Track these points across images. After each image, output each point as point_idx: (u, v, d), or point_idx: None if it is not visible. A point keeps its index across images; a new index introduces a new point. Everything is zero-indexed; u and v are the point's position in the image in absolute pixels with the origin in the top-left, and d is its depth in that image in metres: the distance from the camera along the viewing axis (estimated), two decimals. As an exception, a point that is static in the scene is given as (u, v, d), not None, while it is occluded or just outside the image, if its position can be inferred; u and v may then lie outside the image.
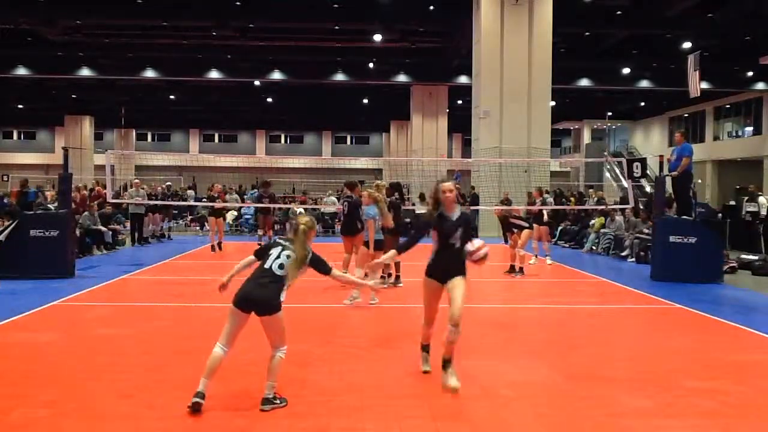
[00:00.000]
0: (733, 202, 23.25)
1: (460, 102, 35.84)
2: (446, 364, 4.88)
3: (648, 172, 15.82)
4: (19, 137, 51.00)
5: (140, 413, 4.39)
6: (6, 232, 10.32)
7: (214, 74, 29.89)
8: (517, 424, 4.39)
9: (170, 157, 39.96)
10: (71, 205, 11.65)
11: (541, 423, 4.39)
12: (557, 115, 33.20)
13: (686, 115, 38.83)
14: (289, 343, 4.60)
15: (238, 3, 22.88)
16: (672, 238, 11.08)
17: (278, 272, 4.50)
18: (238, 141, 51.81)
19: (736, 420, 4.50)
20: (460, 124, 34.09)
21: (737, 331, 7.32)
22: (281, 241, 4.71)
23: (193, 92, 37.61)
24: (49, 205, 13.21)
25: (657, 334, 7.29)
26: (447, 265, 5.03)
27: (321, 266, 4.72)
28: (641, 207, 16.58)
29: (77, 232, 12.81)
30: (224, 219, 17.06)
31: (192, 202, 23.03)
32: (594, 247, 16.54)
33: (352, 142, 52.81)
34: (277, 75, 30.03)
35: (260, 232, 15.92)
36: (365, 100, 40.36)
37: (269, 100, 40.58)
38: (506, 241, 12.69)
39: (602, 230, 16.59)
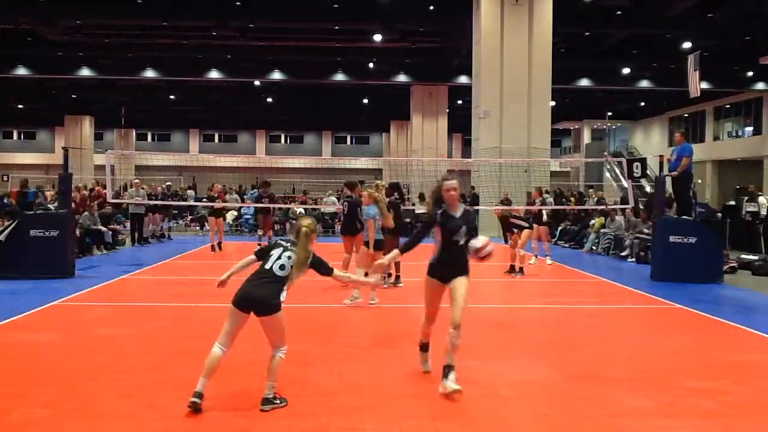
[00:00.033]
0: (733, 202, 23.23)
1: (460, 102, 35.85)
2: (448, 370, 4.78)
3: (648, 172, 15.82)
4: (19, 137, 51.00)
5: (140, 413, 4.39)
6: (6, 232, 10.32)
7: (214, 74, 29.89)
8: (517, 424, 4.39)
9: (170, 157, 39.96)
10: (71, 205, 11.65)
11: (541, 423, 4.39)
12: (557, 115, 33.20)
13: (686, 115, 38.83)
14: (289, 343, 4.60)
15: (238, 3, 22.88)
16: (672, 238, 11.08)
17: (279, 273, 4.50)
18: (238, 141, 51.82)
19: (736, 420, 4.50)
20: (460, 124, 34.09)
21: (737, 331, 7.32)
22: (282, 242, 4.71)
23: (193, 92, 37.62)
24: (49, 205, 13.21)
25: (657, 334, 7.29)
26: (450, 263, 4.99)
27: (322, 268, 4.73)
28: (641, 207, 16.59)
29: (77, 232, 12.81)
30: (224, 219, 17.07)
31: (192, 202, 23.02)
32: (594, 247, 16.54)
33: (352, 142, 52.81)
34: (277, 75, 30.03)
35: (260, 232, 15.92)
36: (365, 100, 40.36)
37: (269, 100, 40.58)
38: (506, 241, 12.70)
39: (602, 230, 16.59)
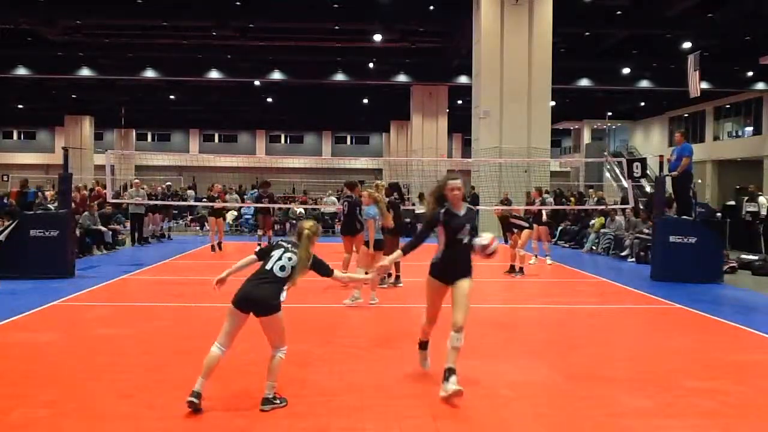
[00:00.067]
0: (733, 202, 23.22)
1: (460, 102, 35.85)
2: (449, 373, 4.69)
3: (648, 172, 15.81)
4: (19, 137, 51.00)
5: (140, 413, 4.39)
6: (6, 232, 10.32)
7: (214, 74, 29.89)
8: (517, 424, 4.39)
9: (170, 157, 39.95)
10: (71, 205, 11.64)
11: (541, 423, 4.39)
12: (557, 115, 33.20)
13: (686, 115, 38.83)
14: (289, 343, 4.60)
15: (238, 3, 22.88)
16: (672, 238, 11.08)
17: (279, 274, 4.51)
18: (238, 141, 51.81)
19: (736, 420, 4.50)
20: (460, 124, 34.09)
21: (737, 331, 7.32)
22: (283, 243, 4.72)
23: (193, 92, 37.61)
24: (49, 205, 13.21)
25: (657, 334, 7.29)
26: (453, 263, 4.94)
27: (323, 269, 4.74)
28: (641, 207, 16.58)
29: (77, 232, 12.80)
30: (224, 219, 17.07)
31: (192, 202, 23.03)
32: (594, 247, 16.54)
33: (352, 142, 52.81)
34: (277, 75, 30.03)
35: (260, 232, 15.92)
36: (365, 100, 40.36)
37: (269, 100, 40.58)
38: (506, 241, 12.70)
39: (602, 230, 16.59)
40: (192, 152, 48.73)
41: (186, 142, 51.83)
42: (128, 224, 17.20)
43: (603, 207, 18.43)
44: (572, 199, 24.23)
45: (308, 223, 4.73)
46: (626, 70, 29.16)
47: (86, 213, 14.86)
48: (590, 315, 8.37)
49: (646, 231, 14.07)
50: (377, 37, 24.99)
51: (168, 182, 27.29)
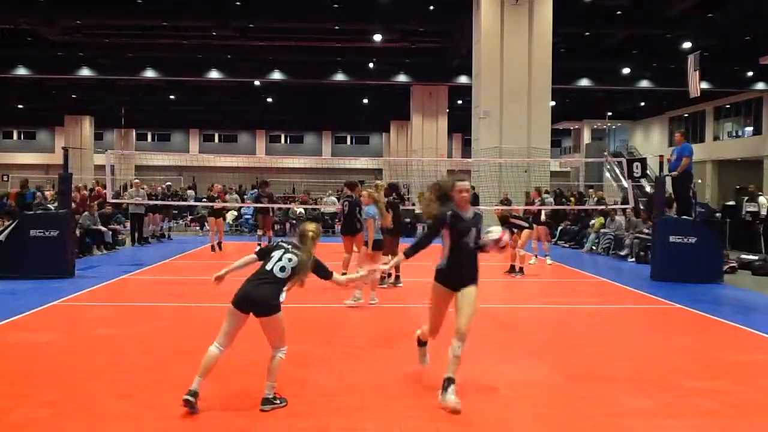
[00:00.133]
0: (733, 202, 23.22)
1: (460, 102, 35.83)
2: (448, 383, 4.57)
3: (648, 172, 15.81)
4: (19, 137, 50.98)
5: (140, 413, 4.40)
6: (6, 232, 10.32)
7: (214, 74, 29.87)
8: (517, 424, 4.39)
9: (170, 157, 39.97)
10: (71, 205, 11.65)
11: (541, 423, 4.39)
12: (557, 115, 33.19)
13: (686, 115, 38.83)
14: (289, 343, 4.60)
15: (238, 3, 22.87)
16: (672, 238, 11.08)
17: (279, 275, 4.50)
18: (238, 141, 51.81)
19: (736, 420, 4.50)
20: (460, 124, 34.07)
21: (737, 331, 7.33)
22: (284, 244, 4.72)
23: (193, 92, 37.60)
24: (49, 205, 13.21)
25: (657, 334, 7.29)
26: (459, 268, 4.79)
27: (323, 272, 4.74)
28: (641, 207, 16.59)
29: (77, 232, 12.81)
30: (224, 219, 17.07)
31: (192, 202, 23.03)
32: (594, 247, 16.55)
33: (352, 142, 52.80)
34: (277, 75, 30.01)
35: (260, 232, 15.92)
36: (365, 100, 40.34)
37: (269, 100, 40.57)
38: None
39: (602, 230, 16.60)
40: (192, 152, 48.72)
41: (186, 142, 51.83)
42: (128, 224, 17.20)
43: (603, 207, 18.43)
44: (572, 199, 24.23)
45: (311, 225, 4.74)
46: (626, 70, 29.14)
47: (86, 213, 14.86)
48: (590, 315, 8.37)
49: (646, 231, 14.07)
50: (377, 37, 24.98)
51: (168, 182, 27.30)
